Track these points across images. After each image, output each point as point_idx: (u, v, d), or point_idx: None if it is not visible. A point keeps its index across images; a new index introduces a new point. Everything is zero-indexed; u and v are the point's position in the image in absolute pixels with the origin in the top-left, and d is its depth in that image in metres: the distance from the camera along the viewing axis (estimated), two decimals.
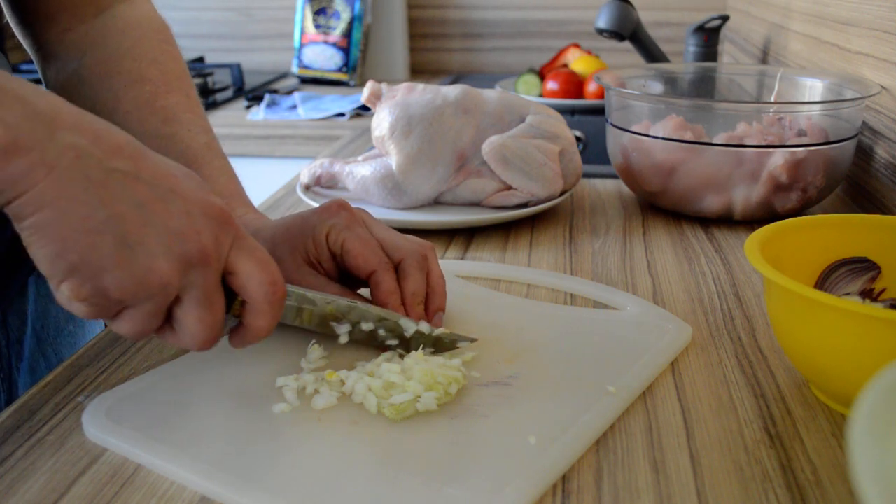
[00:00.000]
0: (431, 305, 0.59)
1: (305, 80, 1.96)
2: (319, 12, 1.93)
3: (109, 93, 0.65)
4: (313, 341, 0.56)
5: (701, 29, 1.52)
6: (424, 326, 0.55)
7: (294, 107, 1.66)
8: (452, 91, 0.88)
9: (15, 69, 0.67)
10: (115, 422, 0.48)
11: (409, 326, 0.54)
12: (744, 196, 0.84)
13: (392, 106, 0.87)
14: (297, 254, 0.58)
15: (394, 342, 0.54)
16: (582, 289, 0.68)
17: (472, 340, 0.56)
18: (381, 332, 0.54)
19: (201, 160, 0.63)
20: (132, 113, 0.64)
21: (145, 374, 0.54)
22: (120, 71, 0.65)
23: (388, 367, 0.50)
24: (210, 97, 1.76)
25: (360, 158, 0.91)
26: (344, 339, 0.54)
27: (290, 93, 1.78)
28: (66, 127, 0.39)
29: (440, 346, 0.55)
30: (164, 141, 0.63)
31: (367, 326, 0.54)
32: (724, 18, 1.53)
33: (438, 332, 0.55)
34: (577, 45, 1.77)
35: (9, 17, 0.69)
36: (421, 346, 0.54)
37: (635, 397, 0.51)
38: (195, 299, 0.43)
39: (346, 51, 1.92)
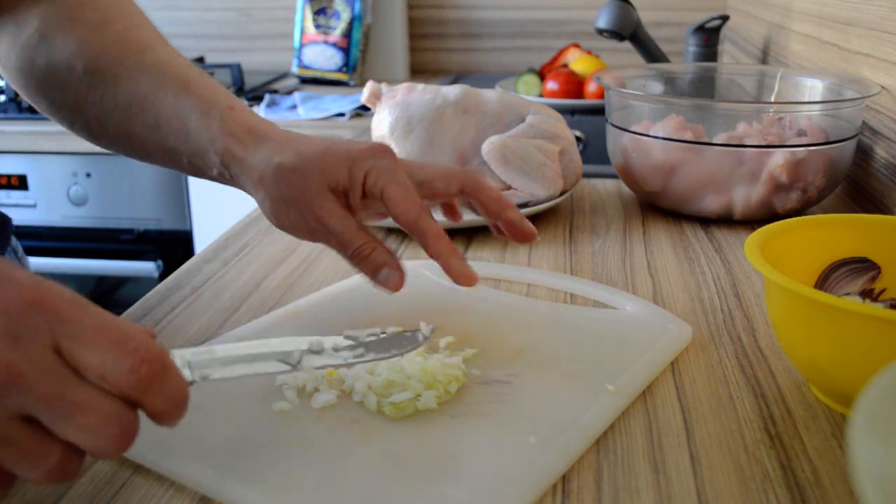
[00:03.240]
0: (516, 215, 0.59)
1: (305, 80, 1.96)
2: (319, 12, 1.93)
3: (76, 42, 0.61)
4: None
5: (701, 29, 1.52)
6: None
7: (294, 107, 1.66)
8: (452, 91, 0.88)
9: None
10: None
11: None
12: (744, 196, 0.84)
13: (392, 106, 0.87)
14: (325, 176, 0.55)
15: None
16: (582, 289, 0.68)
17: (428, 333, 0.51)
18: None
19: (198, 81, 0.60)
20: (104, 54, 0.60)
21: None
22: (82, 19, 0.62)
23: (388, 366, 0.50)
24: None
25: None
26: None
27: (290, 93, 1.78)
28: None
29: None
30: (147, 71, 0.59)
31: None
32: (724, 18, 1.53)
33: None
34: (577, 45, 1.77)
35: None
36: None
37: (635, 397, 0.51)
38: (55, 417, 0.34)
39: (346, 51, 1.92)
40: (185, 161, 0.60)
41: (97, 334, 0.35)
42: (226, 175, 0.58)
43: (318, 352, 0.45)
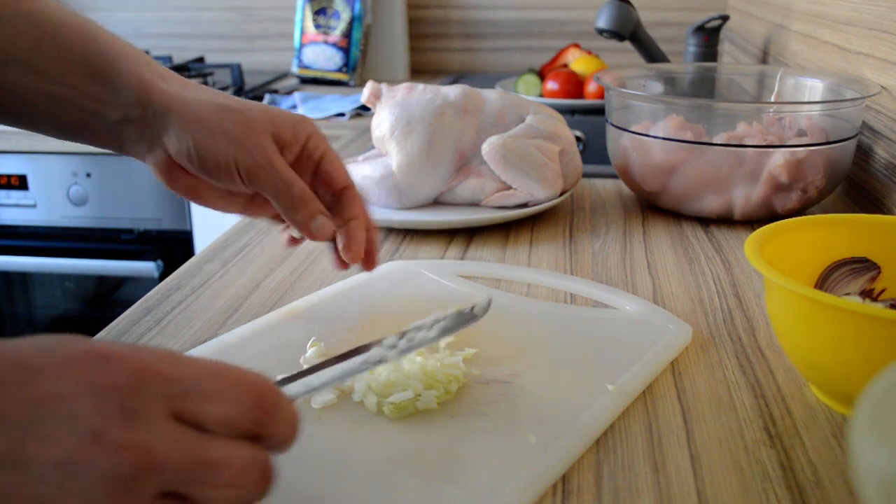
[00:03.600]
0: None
1: (305, 80, 1.96)
2: (319, 12, 1.93)
3: None
4: (313, 338, 0.56)
5: (701, 29, 1.52)
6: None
7: (294, 107, 1.66)
8: (453, 91, 0.88)
9: None
10: None
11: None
12: (744, 196, 0.84)
13: (392, 106, 0.87)
14: (271, 125, 0.56)
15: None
16: (582, 289, 0.68)
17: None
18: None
19: (101, 30, 0.56)
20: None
21: None
22: None
23: (388, 365, 0.50)
24: None
25: (360, 158, 0.91)
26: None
27: (290, 93, 1.78)
28: None
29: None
30: (26, 18, 0.54)
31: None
32: (724, 18, 1.53)
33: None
34: (577, 45, 1.77)
35: None
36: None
37: (635, 396, 0.51)
38: (196, 485, 0.32)
39: (346, 51, 1.92)
40: (64, 113, 0.55)
41: (210, 384, 0.33)
42: (133, 115, 0.55)
43: (393, 346, 0.47)
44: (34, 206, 1.61)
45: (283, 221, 0.64)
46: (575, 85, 1.58)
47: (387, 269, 0.71)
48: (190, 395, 0.33)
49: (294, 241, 0.64)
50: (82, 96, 0.55)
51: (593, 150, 1.36)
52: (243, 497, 0.33)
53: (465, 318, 0.51)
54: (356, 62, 1.93)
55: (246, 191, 0.57)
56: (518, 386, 0.51)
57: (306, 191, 0.56)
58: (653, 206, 0.92)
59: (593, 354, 0.55)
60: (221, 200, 0.60)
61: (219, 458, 0.32)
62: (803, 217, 0.59)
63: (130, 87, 0.54)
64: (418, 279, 0.69)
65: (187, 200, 0.59)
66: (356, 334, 0.59)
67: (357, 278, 0.69)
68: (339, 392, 0.50)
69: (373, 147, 1.03)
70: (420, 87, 0.90)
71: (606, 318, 0.62)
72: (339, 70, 1.92)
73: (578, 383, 0.51)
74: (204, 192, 0.59)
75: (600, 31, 1.43)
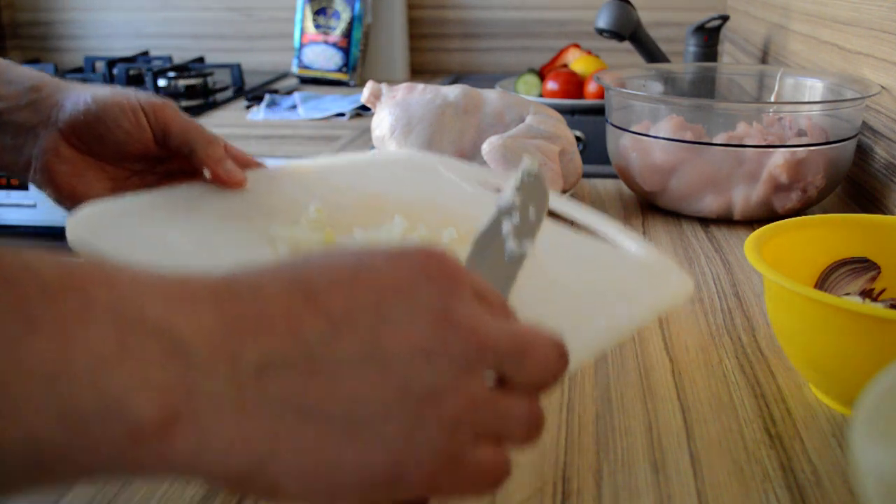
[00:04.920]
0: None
1: (305, 80, 1.96)
2: (319, 12, 1.93)
3: None
4: (317, 205, 0.54)
5: (701, 29, 1.52)
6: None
7: (294, 107, 1.66)
8: (452, 91, 0.88)
9: None
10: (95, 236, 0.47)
11: None
12: (744, 196, 0.84)
13: (392, 106, 0.87)
14: None
15: None
16: (585, 219, 0.62)
17: None
18: None
19: None
20: None
21: (138, 194, 0.54)
22: None
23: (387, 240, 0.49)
24: (210, 97, 1.76)
25: None
26: None
27: (290, 93, 1.78)
28: (203, 343, 0.28)
29: None
30: None
31: None
32: (724, 18, 1.53)
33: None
34: (577, 45, 1.77)
35: None
36: None
37: (627, 338, 0.48)
38: (514, 361, 0.32)
39: (346, 51, 1.92)
40: None
41: (519, 351, 0.32)
42: (28, 99, 0.57)
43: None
44: (34, 206, 1.61)
45: None
46: (575, 85, 1.58)
47: (406, 155, 0.69)
48: (507, 366, 0.32)
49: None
50: None
51: (593, 150, 1.36)
52: (548, 378, 0.33)
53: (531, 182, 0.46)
54: (356, 62, 1.93)
55: (143, 150, 0.57)
56: (513, 302, 0.47)
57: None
58: (653, 206, 0.92)
59: (591, 286, 0.50)
60: (105, 181, 0.59)
61: (529, 337, 0.33)
62: (803, 217, 0.59)
63: (24, 79, 0.57)
64: (432, 173, 0.66)
65: (66, 197, 0.57)
66: (360, 209, 0.57)
67: (372, 154, 0.68)
68: None
69: (373, 147, 1.03)
70: (420, 87, 0.90)
71: (610, 253, 0.56)
72: (339, 70, 1.92)
73: (570, 313, 0.46)
74: (88, 175, 0.58)
75: (600, 31, 1.43)
